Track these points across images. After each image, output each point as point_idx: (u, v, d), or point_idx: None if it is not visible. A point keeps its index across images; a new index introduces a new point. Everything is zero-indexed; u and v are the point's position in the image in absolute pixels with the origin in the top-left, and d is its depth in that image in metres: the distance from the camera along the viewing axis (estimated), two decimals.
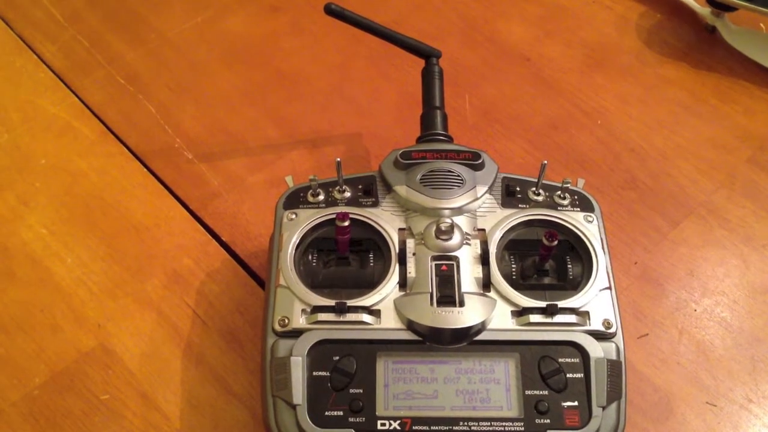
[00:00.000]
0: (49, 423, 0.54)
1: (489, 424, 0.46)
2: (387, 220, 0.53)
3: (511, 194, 0.55)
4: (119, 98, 0.74)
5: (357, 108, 0.74)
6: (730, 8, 0.75)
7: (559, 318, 0.49)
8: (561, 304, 0.49)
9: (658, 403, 0.56)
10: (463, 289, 0.49)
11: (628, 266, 0.63)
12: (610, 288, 0.51)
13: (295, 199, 0.54)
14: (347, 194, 0.54)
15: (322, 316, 0.48)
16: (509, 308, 0.49)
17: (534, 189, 0.55)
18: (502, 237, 0.52)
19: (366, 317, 0.48)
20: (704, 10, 0.79)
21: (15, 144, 0.70)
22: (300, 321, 0.48)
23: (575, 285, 0.51)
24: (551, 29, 0.81)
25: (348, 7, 0.61)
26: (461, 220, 0.52)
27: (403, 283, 0.50)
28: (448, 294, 0.49)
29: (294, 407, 0.46)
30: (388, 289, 0.50)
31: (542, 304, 0.49)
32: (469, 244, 0.51)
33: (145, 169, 0.69)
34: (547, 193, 0.55)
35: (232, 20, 0.81)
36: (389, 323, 0.48)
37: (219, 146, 0.70)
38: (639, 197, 0.67)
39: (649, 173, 0.69)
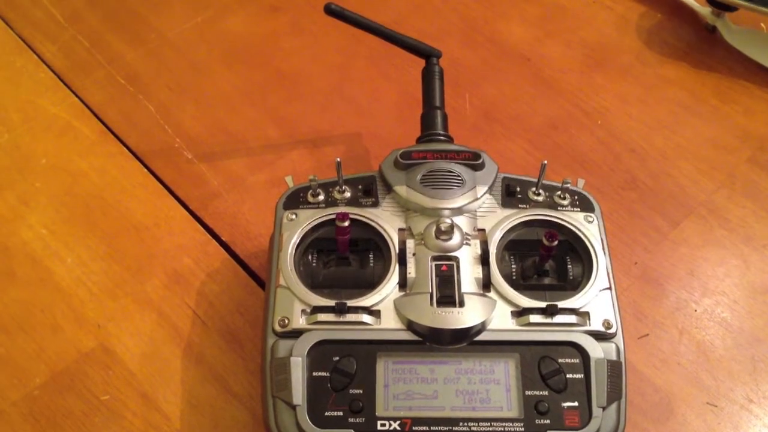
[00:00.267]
0: (50, 423, 0.54)
1: (489, 424, 0.46)
2: (387, 221, 0.53)
3: (511, 194, 0.55)
4: (119, 98, 0.74)
5: (357, 108, 0.74)
6: (731, 8, 0.75)
7: (559, 318, 0.49)
8: (561, 304, 0.49)
9: (659, 403, 0.56)
10: (463, 289, 0.49)
11: (629, 266, 0.63)
12: (610, 288, 0.51)
13: (295, 199, 0.54)
14: (347, 194, 0.54)
15: (322, 317, 0.48)
16: (509, 308, 0.49)
17: (534, 189, 0.55)
18: (502, 237, 0.52)
19: (366, 317, 0.48)
20: (704, 10, 0.79)
21: (15, 144, 0.70)
22: (300, 321, 0.48)
23: (575, 285, 0.51)
24: (551, 29, 0.81)
25: (348, 7, 0.60)
26: (461, 221, 0.52)
27: (403, 284, 0.50)
28: (448, 294, 0.49)
29: (294, 408, 0.46)
30: (388, 289, 0.50)
31: (542, 304, 0.49)
32: (469, 245, 0.51)
33: (145, 169, 0.69)
34: (547, 194, 0.55)
35: (232, 20, 0.81)
36: (389, 323, 0.48)
37: (219, 146, 0.70)
38: (639, 197, 0.67)
39: (649, 173, 0.69)
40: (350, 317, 0.48)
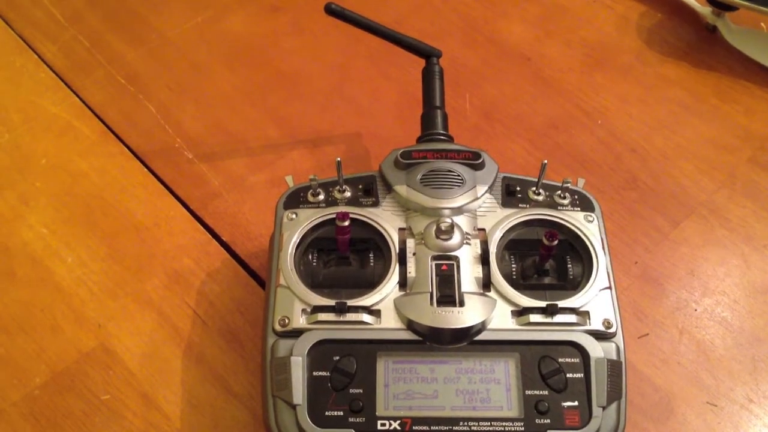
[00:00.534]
0: (50, 423, 0.54)
1: (489, 424, 0.46)
2: (387, 220, 0.53)
3: (511, 194, 0.55)
4: (120, 98, 0.74)
5: (357, 108, 0.74)
6: (731, 8, 0.75)
7: (559, 318, 0.49)
8: (561, 303, 0.49)
9: (659, 403, 0.56)
10: (463, 288, 0.49)
11: (629, 266, 0.63)
12: (610, 288, 0.51)
13: (296, 199, 0.54)
14: (347, 194, 0.54)
15: (323, 316, 0.48)
16: (509, 308, 0.49)
17: (534, 189, 0.55)
18: (502, 237, 0.52)
19: (366, 317, 0.48)
20: (705, 10, 0.79)
21: (15, 144, 0.70)
22: (300, 321, 0.48)
23: (575, 285, 0.51)
24: (552, 29, 0.81)
25: (348, 7, 0.60)
26: (461, 220, 0.52)
27: (403, 283, 0.50)
28: (448, 294, 0.49)
29: (294, 407, 0.46)
30: (388, 288, 0.50)
31: (542, 303, 0.49)
32: (469, 244, 0.51)
33: (145, 169, 0.69)
34: (547, 193, 0.55)
35: (233, 20, 0.81)
36: (389, 323, 0.48)
37: (219, 146, 0.70)
38: (639, 197, 0.67)
39: (649, 173, 0.69)
40: (350, 317, 0.48)
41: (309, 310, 0.49)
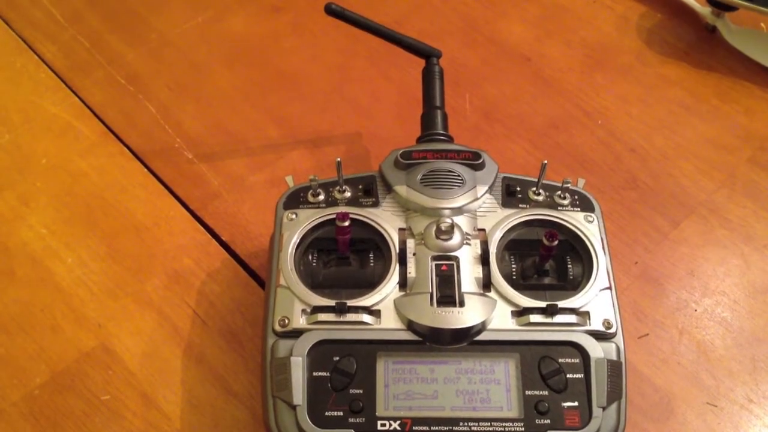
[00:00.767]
0: (50, 423, 0.54)
1: (489, 424, 0.46)
2: (387, 220, 0.53)
3: (511, 194, 0.55)
4: (120, 98, 0.74)
5: (357, 108, 0.74)
6: (731, 8, 0.75)
7: (559, 318, 0.49)
8: (561, 304, 0.49)
9: (659, 403, 0.56)
10: (463, 289, 0.49)
11: (629, 266, 0.63)
12: (610, 288, 0.51)
13: (296, 199, 0.54)
14: (347, 194, 0.54)
15: (322, 317, 0.48)
16: (509, 308, 0.49)
17: (534, 189, 0.55)
18: (502, 237, 0.52)
19: (366, 317, 0.48)
20: (705, 10, 0.79)
21: (16, 144, 0.70)
22: (300, 321, 0.48)
23: (575, 285, 0.51)
24: (552, 29, 0.81)
25: (348, 7, 0.61)
26: (461, 220, 0.52)
27: (403, 283, 0.50)
28: (448, 294, 0.49)
29: (294, 407, 0.46)
30: (388, 289, 0.50)
31: (542, 304, 0.49)
32: (469, 244, 0.51)
33: (145, 169, 0.69)
34: (547, 193, 0.55)
35: (233, 20, 0.81)
36: (389, 323, 0.48)
37: (219, 146, 0.70)
38: (639, 197, 0.67)
39: (649, 173, 0.69)
40: (350, 317, 0.48)
41: (309, 310, 0.49)
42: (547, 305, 0.49)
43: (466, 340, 0.48)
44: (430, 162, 0.54)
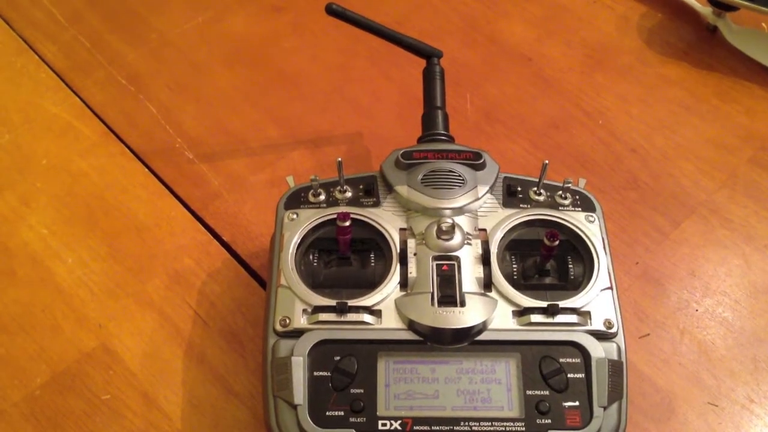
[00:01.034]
0: (51, 423, 0.54)
1: (490, 424, 0.46)
2: (388, 220, 0.53)
3: (512, 194, 0.55)
4: (120, 98, 0.74)
5: (358, 108, 0.74)
6: (732, 8, 0.75)
7: (560, 318, 0.49)
8: (562, 304, 0.49)
9: (660, 403, 0.56)
10: (464, 289, 0.49)
11: (630, 266, 0.63)
12: (611, 288, 0.51)
13: (296, 199, 0.54)
14: (348, 194, 0.54)
15: (323, 316, 0.48)
16: (510, 308, 0.49)
17: (535, 189, 0.55)
18: (503, 237, 0.52)
19: (367, 317, 0.48)
20: (705, 10, 0.79)
21: (16, 144, 0.70)
22: (301, 321, 0.48)
23: (576, 285, 0.51)
24: (552, 29, 0.81)
25: (349, 7, 0.60)
26: (462, 220, 0.52)
27: (404, 283, 0.50)
28: (449, 294, 0.49)
29: (295, 407, 0.46)
30: (389, 289, 0.50)
31: (543, 304, 0.49)
32: (470, 244, 0.51)
33: (146, 169, 0.69)
34: (548, 193, 0.55)
35: (233, 20, 0.81)
36: (390, 323, 0.48)
37: (220, 146, 0.70)
38: (640, 197, 0.67)
39: (650, 173, 0.69)
40: (351, 317, 0.48)
41: (310, 310, 0.49)
42: (548, 305, 0.49)
43: (467, 340, 0.48)
44: (431, 162, 0.54)
